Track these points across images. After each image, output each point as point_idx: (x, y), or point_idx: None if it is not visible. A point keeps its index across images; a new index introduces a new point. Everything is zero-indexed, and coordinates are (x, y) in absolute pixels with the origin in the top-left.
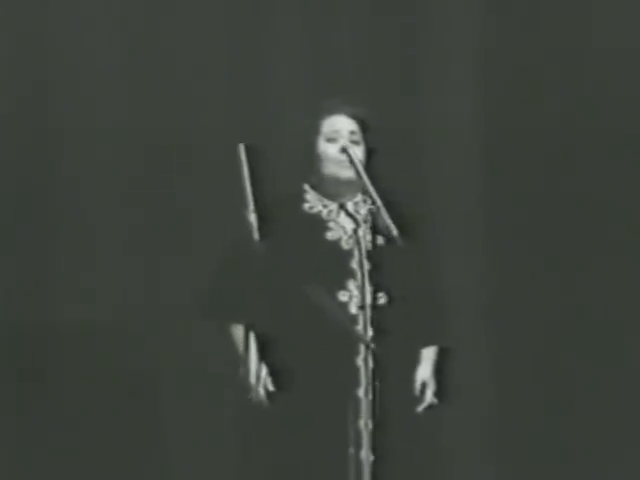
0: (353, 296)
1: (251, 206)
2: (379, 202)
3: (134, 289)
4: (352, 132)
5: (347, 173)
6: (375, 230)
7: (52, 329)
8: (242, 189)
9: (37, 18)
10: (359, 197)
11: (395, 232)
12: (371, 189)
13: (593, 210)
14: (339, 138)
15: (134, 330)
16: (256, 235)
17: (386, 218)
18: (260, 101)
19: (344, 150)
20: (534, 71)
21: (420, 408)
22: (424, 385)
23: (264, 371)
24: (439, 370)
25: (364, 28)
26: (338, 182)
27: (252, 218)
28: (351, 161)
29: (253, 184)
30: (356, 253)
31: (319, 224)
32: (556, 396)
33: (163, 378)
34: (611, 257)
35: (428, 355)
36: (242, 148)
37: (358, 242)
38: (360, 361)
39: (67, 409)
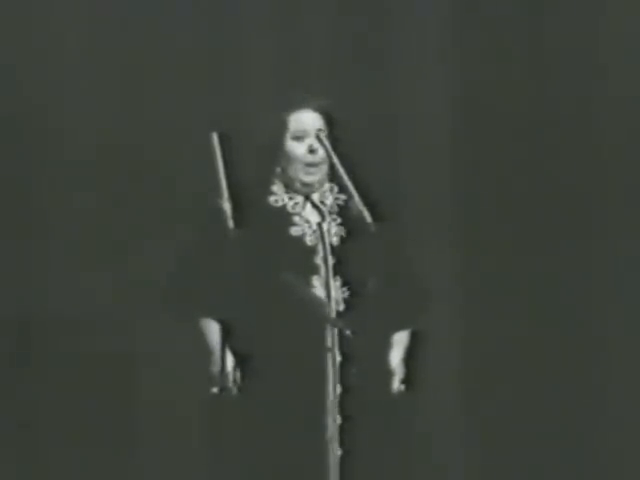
0: (318, 292)
1: (225, 194)
2: (352, 189)
3: (106, 283)
4: (319, 130)
5: (311, 178)
6: (347, 218)
7: (26, 324)
8: (215, 178)
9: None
10: (326, 186)
11: (369, 219)
12: (345, 177)
13: (565, 198)
14: (306, 137)
15: (108, 324)
16: (230, 223)
17: (359, 205)
18: (229, 91)
19: (317, 138)
20: (504, 62)
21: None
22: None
23: (231, 364)
24: (410, 357)
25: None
26: (303, 184)
27: (226, 207)
28: (325, 149)
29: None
30: (320, 249)
31: (284, 218)
32: (530, 384)
33: (137, 371)
34: (584, 244)
35: (400, 339)
36: (215, 137)
37: (322, 237)
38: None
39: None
